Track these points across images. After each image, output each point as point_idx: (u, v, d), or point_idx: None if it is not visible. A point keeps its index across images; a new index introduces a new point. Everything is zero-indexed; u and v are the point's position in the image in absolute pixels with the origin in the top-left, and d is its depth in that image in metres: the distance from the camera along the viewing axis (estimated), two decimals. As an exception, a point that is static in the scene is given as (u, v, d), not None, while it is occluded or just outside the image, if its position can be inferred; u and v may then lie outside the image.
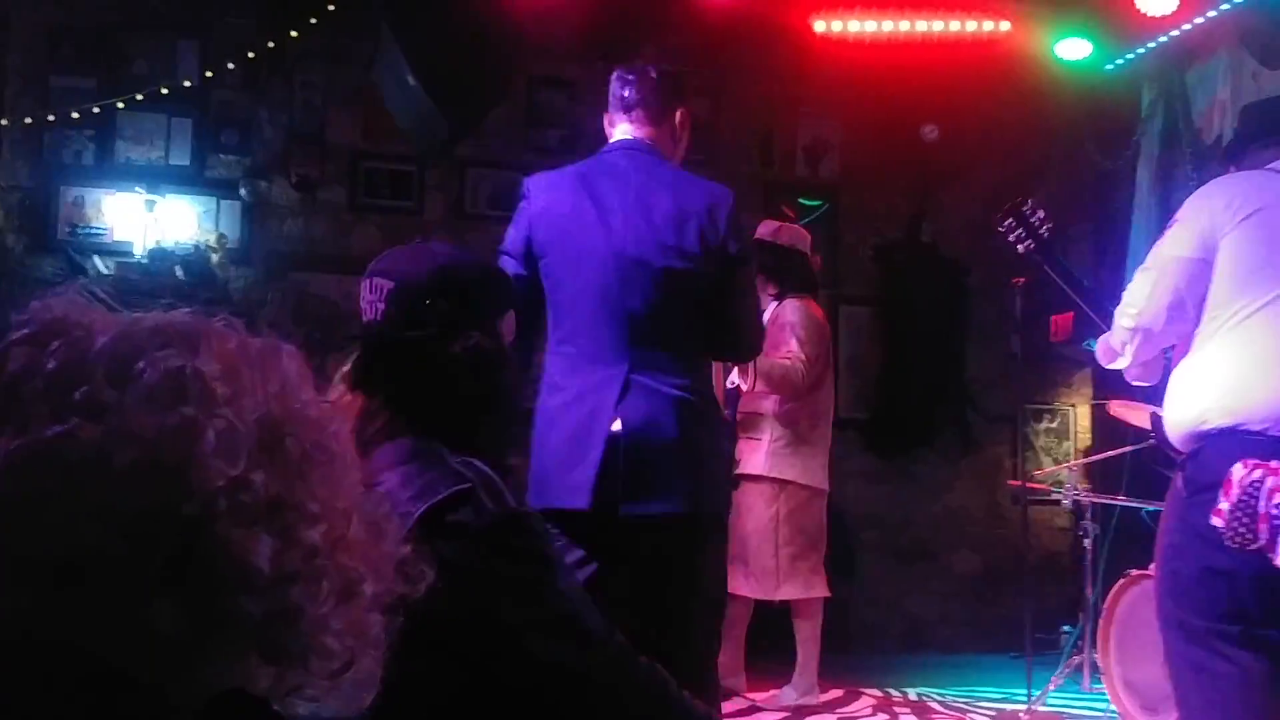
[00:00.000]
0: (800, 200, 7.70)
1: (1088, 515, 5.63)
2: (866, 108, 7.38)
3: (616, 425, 2.86)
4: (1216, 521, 2.52)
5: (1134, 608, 4.79)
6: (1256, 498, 2.48)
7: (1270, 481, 2.48)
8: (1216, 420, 2.63)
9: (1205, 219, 2.77)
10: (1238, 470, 2.52)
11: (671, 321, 2.92)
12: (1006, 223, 3.12)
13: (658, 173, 3.16)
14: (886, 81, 7.02)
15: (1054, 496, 5.91)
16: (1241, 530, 2.50)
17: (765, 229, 5.61)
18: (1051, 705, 5.32)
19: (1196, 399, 2.71)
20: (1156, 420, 2.91)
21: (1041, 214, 3.09)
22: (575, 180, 3.12)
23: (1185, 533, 2.68)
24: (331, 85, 7.09)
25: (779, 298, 5.45)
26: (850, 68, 6.97)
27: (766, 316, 5.27)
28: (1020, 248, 3.09)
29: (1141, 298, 2.79)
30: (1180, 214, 2.85)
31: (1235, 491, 2.51)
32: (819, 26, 6.88)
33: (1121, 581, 4.94)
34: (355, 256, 7.08)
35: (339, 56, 6.95)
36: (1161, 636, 2.78)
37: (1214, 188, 2.90)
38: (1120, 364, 2.91)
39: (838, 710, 5.26)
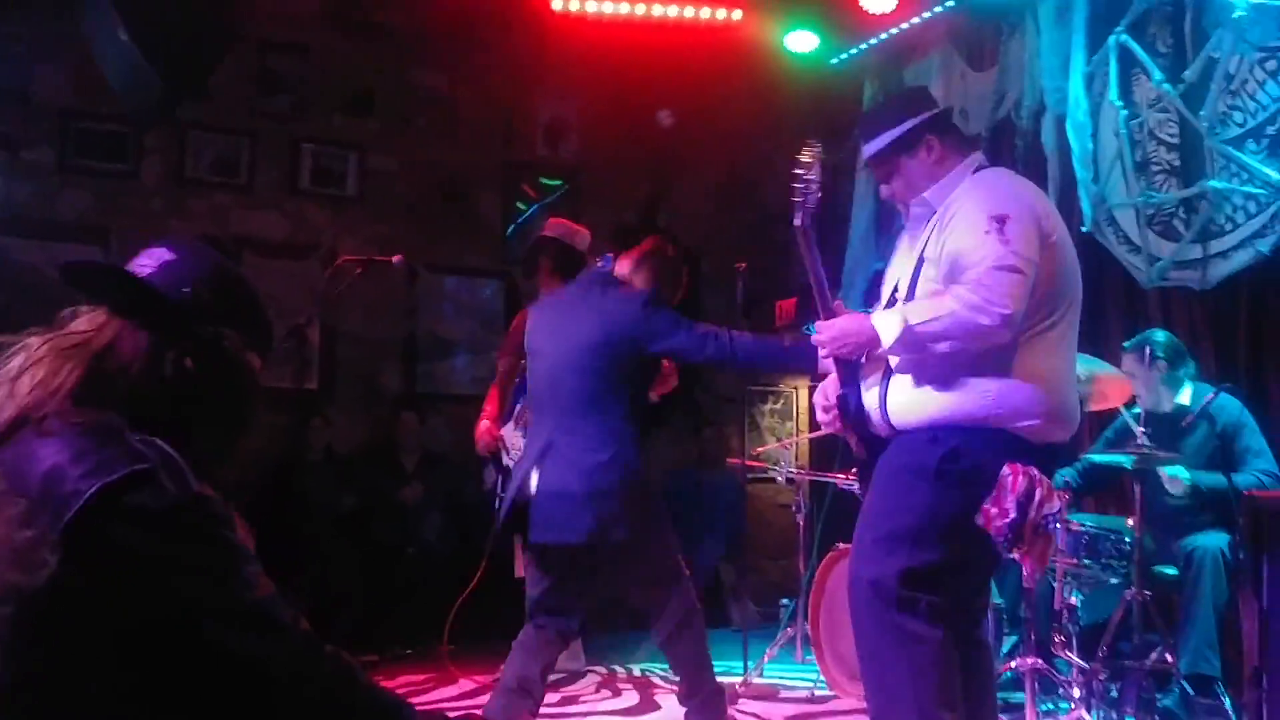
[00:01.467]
0: (541, 180, 7.78)
1: (801, 492, 5.88)
2: (605, 90, 7.49)
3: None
4: (983, 520, 2.89)
5: (842, 581, 5.04)
6: (1028, 506, 2.75)
7: (1039, 492, 2.83)
8: (1009, 422, 2.92)
9: (1036, 224, 2.96)
10: (1010, 475, 2.87)
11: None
12: (805, 179, 3.16)
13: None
14: (625, 65, 7.13)
15: (770, 474, 6.14)
16: (1009, 533, 2.82)
17: (561, 229, 5.50)
18: (768, 677, 5.54)
19: (990, 395, 2.93)
20: (844, 401, 3.12)
21: (816, 186, 3.19)
22: None
23: (931, 512, 2.94)
24: (37, 37, 6.62)
25: None
26: (589, 48, 7.05)
27: None
28: (797, 220, 3.17)
29: (1019, 299, 2.86)
30: (1013, 210, 2.94)
31: (1009, 499, 2.73)
32: (557, 4, 6.94)
33: (830, 555, 5.19)
34: (64, 222, 6.67)
35: (46, 8, 6.49)
36: (859, 602, 2.93)
37: (1027, 189, 3.14)
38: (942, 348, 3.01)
39: (561, 689, 5.31)
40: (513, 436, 5.28)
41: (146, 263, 1.83)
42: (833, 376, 3.23)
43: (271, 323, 1.95)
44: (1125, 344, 5.09)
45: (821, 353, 3.13)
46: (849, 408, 3.17)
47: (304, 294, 6.82)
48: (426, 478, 6.87)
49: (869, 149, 3.27)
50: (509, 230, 7.68)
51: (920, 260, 3.06)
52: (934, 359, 2.95)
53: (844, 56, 7.53)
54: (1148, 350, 4.94)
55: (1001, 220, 2.89)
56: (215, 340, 1.78)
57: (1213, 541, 4.66)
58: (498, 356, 5.59)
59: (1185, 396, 4.95)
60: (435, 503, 6.76)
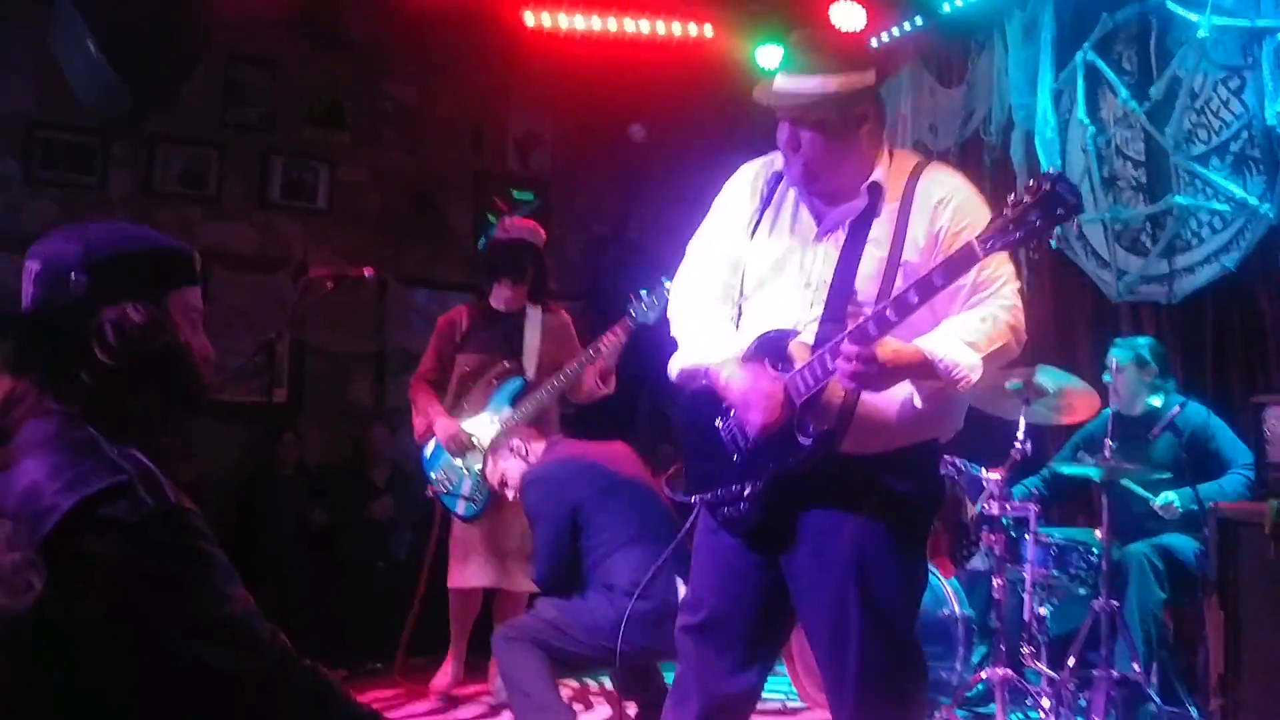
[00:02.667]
0: (511, 192, 7.78)
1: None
2: (577, 104, 7.53)
3: None
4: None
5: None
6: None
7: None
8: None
9: None
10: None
11: None
12: None
13: None
14: (596, 79, 7.17)
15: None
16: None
17: (524, 230, 5.48)
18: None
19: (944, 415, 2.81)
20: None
21: None
22: None
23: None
24: (2, 47, 6.61)
25: (536, 301, 5.38)
26: (561, 62, 7.09)
27: (539, 322, 5.30)
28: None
29: None
30: None
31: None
32: (529, 19, 6.97)
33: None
34: (30, 234, 6.61)
35: (11, 17, 6.48)
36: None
37: None
38: None
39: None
40: (487, 427, 5.18)
41: (27, 289, 1.83)
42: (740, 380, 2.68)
43: (181, 247, 1.92)
44: (1115, 340, 5.18)
45: (851, 370, 2.50)
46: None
47: (274, 308, 6.86)
48: (397, 493, 6.87)
49: (802, 87, 2.64)
50: (479, 242, 7.67)
51: (888, 261, 2.64)
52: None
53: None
54: (1130, 350, 5.07)
55: None
56: (117, 322, 1.77)
57: (1182, 541, 4.75)
58: (432, 350, 5.43)
59: (1157, 401, 5.05)
60: (406, 518, 6.76)
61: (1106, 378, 5.11)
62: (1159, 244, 5.60)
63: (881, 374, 2.50)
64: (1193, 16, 5.28)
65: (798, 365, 2.64)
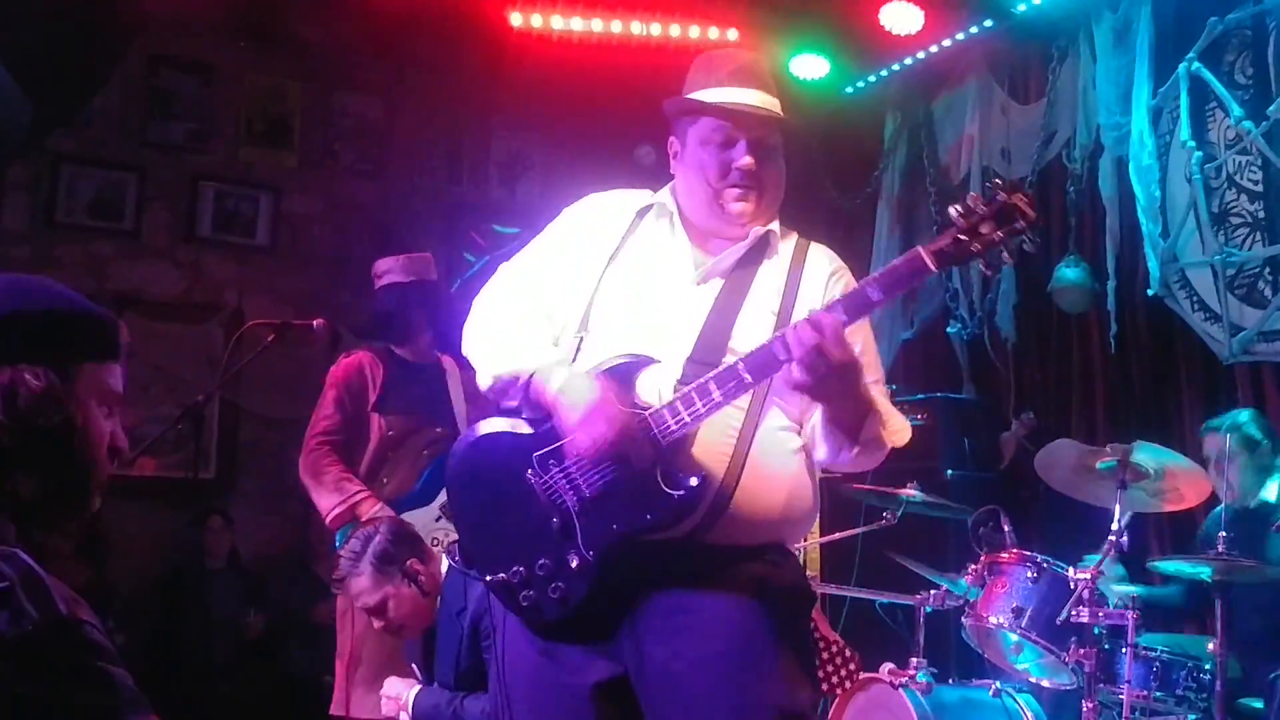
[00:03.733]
0: (494, 227, 7.78)
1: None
2: (573, 120, 7.57)
3: None
4: None
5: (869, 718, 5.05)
6: None
7: None
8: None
9: None
10: None
11: None
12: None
13: None
14: (596, 91, 7.20)
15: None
16: None
17: (419, 266, 5.42)
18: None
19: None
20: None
21: None
22: None
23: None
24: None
25: (444, 351, 5.33)
26: (554, 71, 7.11)
27: (459, 376, 5.23)
28: None
29: None
30: None
31: None
32: (515, 20, 7.02)
33: (853, 686, 5.19)
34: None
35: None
36: None
37: None
38: None
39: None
40: (435, 527, 5.13)
41: None
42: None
43: (104, 315, 1.90)
44: (1208, 423, 5.18)
45: (814, 345, 2.49)
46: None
47: (201, 365, 6.89)
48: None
49: (769, 105, 2.85)
50: (454, 286, 7.69)
51: (779, 319, 2.78)
52: (793, 447, 2.80)
53: (861, 85, 7.64)
54: (1233, 431, 5.03)
55: None
56: (12, 385, 1.76)
57: None
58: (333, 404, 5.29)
59: (1273, 491, 5.02)
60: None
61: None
62: (1281, 293, 5.61)
63: (843, 367, 2.51)
64: (1321, 19, 5.33)
65: (656, 400, 2.63)
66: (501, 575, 2.69)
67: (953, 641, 5.51)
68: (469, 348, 2.92)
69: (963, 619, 5.13)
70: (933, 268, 2.50)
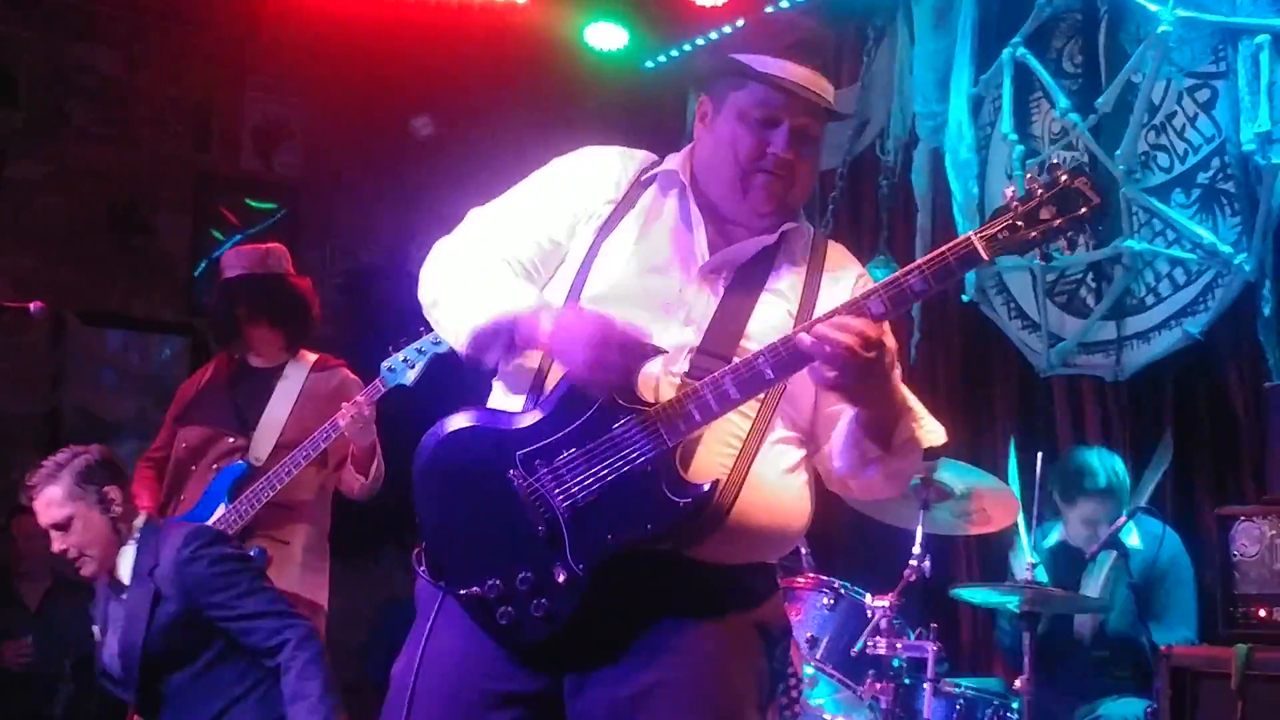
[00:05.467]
0: (246, 201, 7.69)
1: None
2: (341, 85, 7.45)
3: None
4: None
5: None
6: None
7: None
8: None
9: None
10: None
11: None
12: None
13: None
14: (369, 54, 7.12)
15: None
16: None
17: (253, 258, 5.35)
18: None
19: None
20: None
21: None
22: None
23: None
24: None
25: (291, 349, 5.29)
26: (319, 30, 7.02)
27: (302, 382, 5.24)
28: None
29: None
30: None
31: None
32: (277, -35, 6.89)
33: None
34: None
35: None
36: None
37: None
38: None
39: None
40: None
41: None
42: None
43: None
44: (1092, 481, 5.08)
45: (847, 347, 2.45)
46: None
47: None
48: (55, 624, 6.38)
49: (823, 88, 2.74)
50: (198, 268, 7.54)
51: (798, 319, 2.71)
52: (793, 462, 2.74)
53: (661, 59, 7.65)
54: (1112, 480, 5.07)
55: None
56: None
57: (1126, 709, 4.74)
58: (171, 420, 5.34)
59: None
60: (66, 666, 6.27)
61: (1052, 527, 5.11)
62: (1104, 302, 5.65)
63: (880, 364, 2.48)
64: (1153, 6, 5.34)
65: (653, 395, 2.57)
66: (476, 589, 2.58)
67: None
68: (428, 298, 2.79)
69: (753, 648, 5.07)
70: (985, 257, 2.45)
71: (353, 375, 5.27)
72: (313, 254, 7.61)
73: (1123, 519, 4.93)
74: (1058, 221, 2.43)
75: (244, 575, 4.23)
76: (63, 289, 6.76)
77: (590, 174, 2.85)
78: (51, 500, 4.23)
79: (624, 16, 7.27)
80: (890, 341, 2.51)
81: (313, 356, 5.31)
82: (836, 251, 2.87)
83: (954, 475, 4.76)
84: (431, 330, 4.16)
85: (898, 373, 2.60)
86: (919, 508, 4.68)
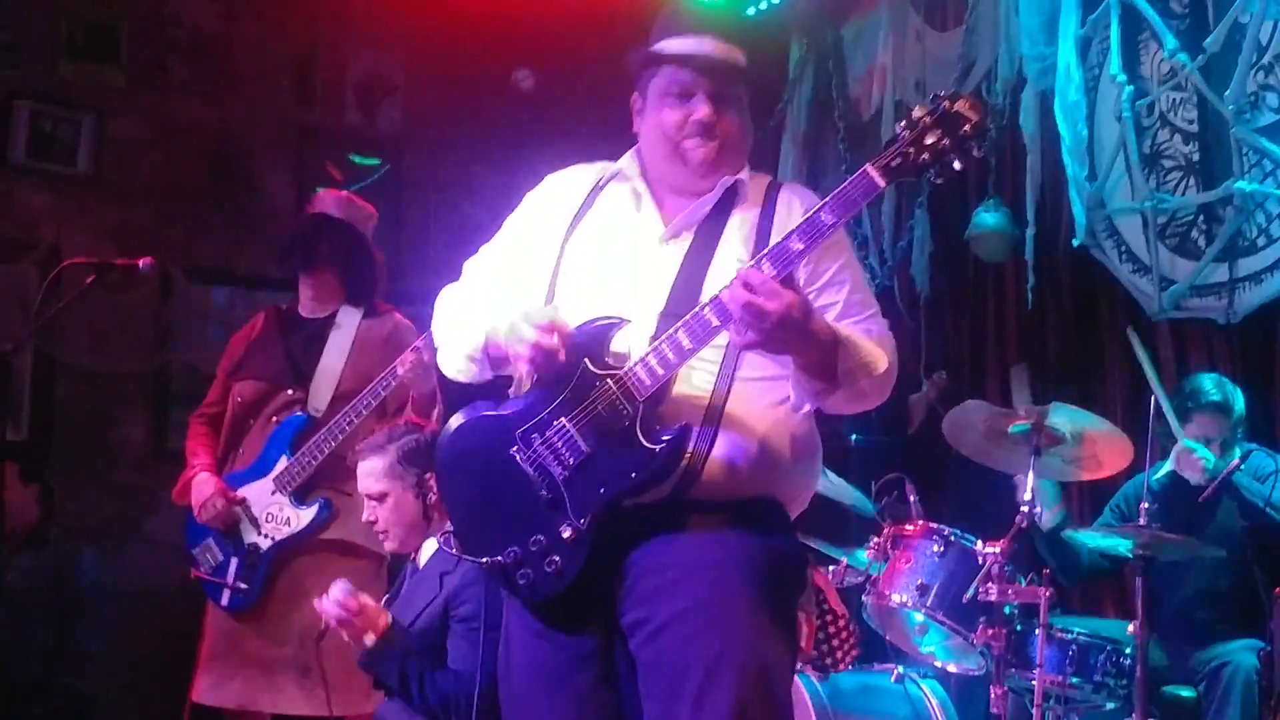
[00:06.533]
0: (351, 157, 7.81)
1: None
2: (442, 39, 7.51)
3: None
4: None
5: None
6: None
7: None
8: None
9: None
10: None
11: None
12: None
13: None
14: (469, 5, 7.17)
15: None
16: None
17: (346, 208, 5.46)
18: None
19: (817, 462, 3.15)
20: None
21: None
22: None
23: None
24: None
25: (359, 304, 5.36)
26: (420, -18, 7.08)
27: (354, 330, 5.30)
28: None
29: None
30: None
31: None
32: (376, -81, 6.95)
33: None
34: None
35: None
36: None
37: None
38: None
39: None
40: (270, 501, 5.17)
41: None
42: None
43: None
44: (1208, 397, 5.20)
45: (747, 301, 2.67)
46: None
47: (11, 309, 6.73)
48: (181, 567, 6.72)
49: (725, 53, 3.05)
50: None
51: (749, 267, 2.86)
52: (776, 399, 2.99)
53: (764, 6, 7.65)
54: (1232, 414, 5.15)
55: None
56: None
57: (1246, 657, 4.80)
58: (223, 375, 5.44)
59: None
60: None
61: (1190, 444, 5.09)
62: (1215, 244, 5.71)
63: (783, 319, 2.68)
64: (1260, -55, 5.39)
65: (631, 358, 2.85)
66: (497, 558, 2.91)
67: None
68: (438, 346, 3.22)
69: (863, 597, 5.21)
70: (881, 183, 2.72)
71: (405, 320, 5.35)
72: (415, 209, 7.78)
73: (1237, 461, 5.04)
74: (944, 142, 2.69)
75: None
76: (166, 246, 6.85)
77: (553, 194, 3.25)
78: (371, 471, 4.30)
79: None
80: (790, 296, 2.69)
81: (360, 307, 5.34)
82: (788, 192, 3.16)
83: (1065, 419, 4.82)
84: None
85: (816, 317, 2.79)
86: (1029, 453, 4.75)
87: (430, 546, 4.27)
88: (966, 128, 2.69)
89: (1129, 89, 6.00)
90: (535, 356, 2.83)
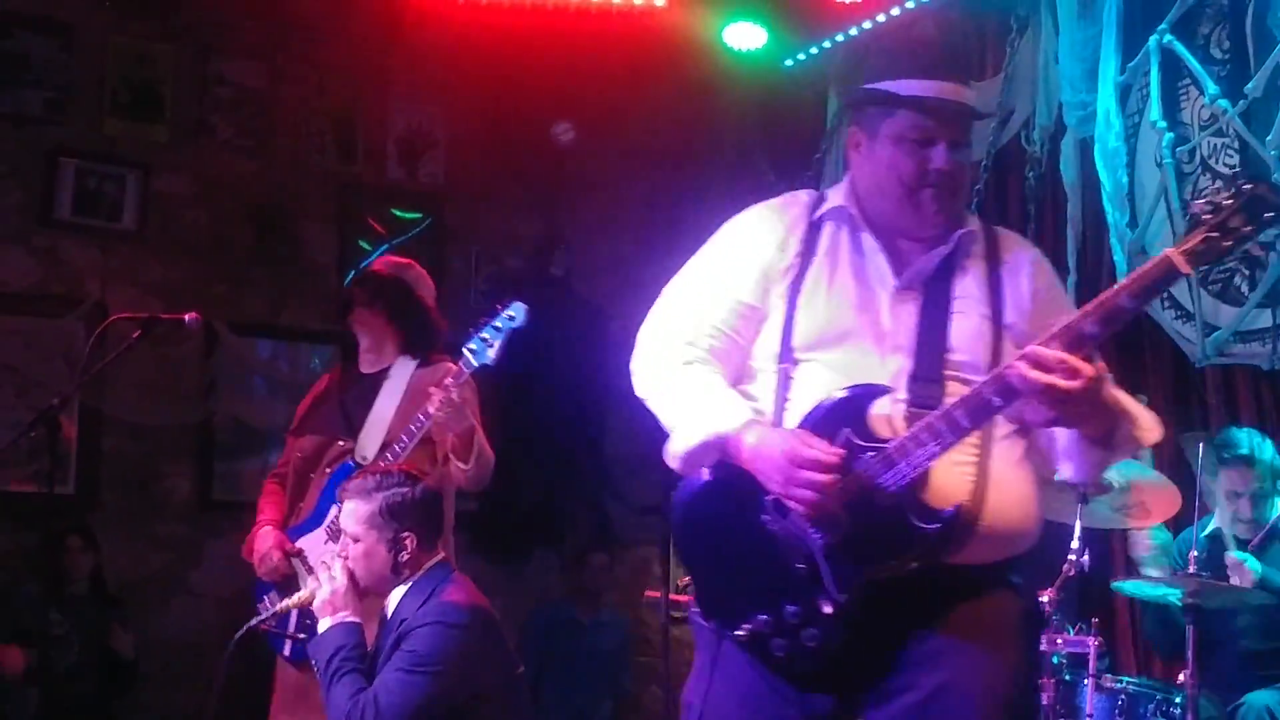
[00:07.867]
0: (392, 211, 7.85)
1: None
2: (482, 94, 7.57)
3: None
4: None
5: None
6: None
7: None
8: None
9: None
10: None
11: None
12: None
13: None
14: (509, 61, 7.19)
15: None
16: None
17: (398, 267, 5.45)
18: None
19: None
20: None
21: None
22: None
23: None
24: None
25: (414, 354, 5.31)
26: (461, 39, 7.11)
27: (407, 380, 5.25)
28: None
29: None
30: None
31: None
32: (416, -24, 7.02)
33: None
34: None
35: None
36: None
37: None
38: None
39: None
40: (324, 550, 5.18)
41: None
42: None
43: None
44: (1235, 450, 5.23)
45: (1048, 384, 2.60)
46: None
47: (58, 364, 6.81)
48: (226, 619, 6.75)
49: (965, 97, 2.96)
50: (348, 279, 7.62)
51: (993, 322, 2.92)
52: (1021, 453, 2.93)
53: (801, 57, 7.69)
54: (1261, 465, 5.15)
55: None
56: None
57: (1266, 698, 4.79)
58: (288, 435, 5.49)
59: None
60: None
61: (1240, 554, 5.07)
62: (1259, 289, 5.68)
63: (1091, 395, 2.62)
64: (1301, -11, 5.40)
65: (895, 431, 2.75)
66: (749, 628, 2.83)
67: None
68: (641, 393, 3.07)
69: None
70: (1185, 270, 2.59)
71: (456, 366, 5.16)
72: (457, 261, 7.83)
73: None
74: (1247, 228, 2.56)
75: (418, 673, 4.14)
76: (211, 300, 6.90)
77: (762, 234, 3.05)
78: (352, 513, 4.30)
79: (763, 15, 7.32)
80: (1092, 369, 2.61)
81: (415, 357, 5.27)
82: (1008, 239, 3.07)
83: (1113, 469, 4.75)
84: (506, 307, 4.53)
85: (1109, 385, 2.73)
86: (1077, 501, 4.73)
87: (398, 595, 4.26)
88: (1269, 213, 2.58)
89: (1169, 135, 5.99)
90: (817, 511, 2.72)
